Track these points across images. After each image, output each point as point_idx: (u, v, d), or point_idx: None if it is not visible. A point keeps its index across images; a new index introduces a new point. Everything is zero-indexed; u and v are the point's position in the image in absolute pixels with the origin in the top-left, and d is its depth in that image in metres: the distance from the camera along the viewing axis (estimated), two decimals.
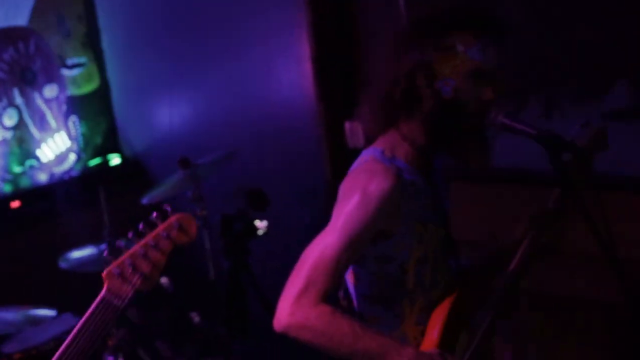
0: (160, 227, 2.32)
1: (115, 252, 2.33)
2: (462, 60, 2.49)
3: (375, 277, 2.59)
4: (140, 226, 2.33)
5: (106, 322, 2.30)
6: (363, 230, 2.45)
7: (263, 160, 5.15)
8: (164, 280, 4.34)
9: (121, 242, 2.35)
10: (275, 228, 4.73)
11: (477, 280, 2.76)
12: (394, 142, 2.59)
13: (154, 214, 2.35)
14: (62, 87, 5.77)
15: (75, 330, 2.29)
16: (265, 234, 4.71)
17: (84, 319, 2.30)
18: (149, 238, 2.32)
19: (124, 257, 2.32)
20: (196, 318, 4.37)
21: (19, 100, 5.55)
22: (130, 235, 2.34)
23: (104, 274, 2.32)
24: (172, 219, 2.33)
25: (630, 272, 2.41)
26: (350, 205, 2.46)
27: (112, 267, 2.30)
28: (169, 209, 2.35)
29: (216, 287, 4.57)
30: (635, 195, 3.83)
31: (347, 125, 4.77)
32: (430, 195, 2.62)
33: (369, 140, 2.67)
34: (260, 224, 4.73)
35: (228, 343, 4.47)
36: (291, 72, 5.08)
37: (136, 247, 2.32)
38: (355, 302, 2.69)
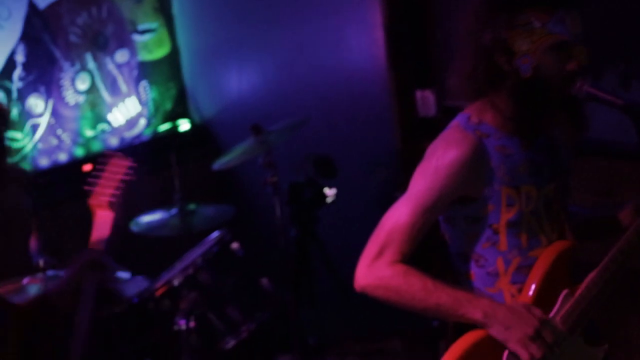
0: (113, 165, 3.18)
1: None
2: (540, 36, 2.46)
3: (466, 236, 2.63)
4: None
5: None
6: (436, 197, 2.50)
7: (333, 127, 5.14)
8: (234, 244, 4.34)
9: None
10: (343, 196, 4.77)
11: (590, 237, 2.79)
12: (484, 107, 2.59)
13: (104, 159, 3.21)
14: (133, 52, 5.81)
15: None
16: (333, 202, 4.78)
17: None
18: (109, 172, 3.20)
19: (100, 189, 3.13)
20: (266, 284, 4.37)
21: (91, 64, 5.59)
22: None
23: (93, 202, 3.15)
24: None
25: None
26: (424, 172, 2.54)
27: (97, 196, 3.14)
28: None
29: (286, 254, 4.60)
30: None
31: (418, 94, 4.76)
32: (531, 156, 2.60)
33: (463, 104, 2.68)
34: (329, 192, 4.78)
35: (296, 310, 4.50)
36: (362, 39, 5.05)
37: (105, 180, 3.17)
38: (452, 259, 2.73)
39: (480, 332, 2.50)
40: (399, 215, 2.52)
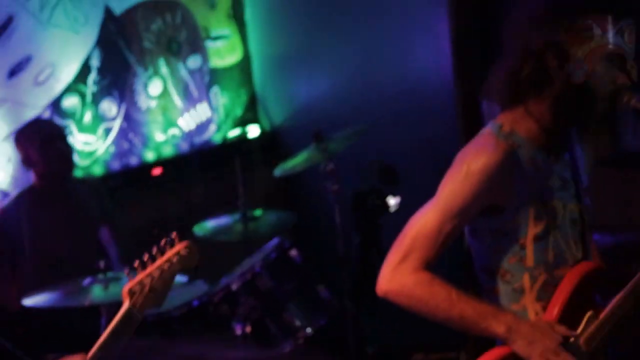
0: (169, 253, 2.47)
1: (133, 272, 2.48)
2: (598, 44, 2.41)
3: (492, 250, 2.58)
4: (154, 250, 2.47)
5: (126, 333, 2.47)
6: (464, 204, 2.46)
7: (397, 136, 5.11)
8: (293, 252, 4.37)
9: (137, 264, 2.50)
10: (407, 205, 4.73)
11: (614, 263, 2.73)
12: (518, 117, 2.53)
13: (164, 241, 2.50)
14: (205, 58, 5.85)
15: (101, 339, 2.45)
16: (397, 210, 4.74)
17: (109, 329, 2.44)
18: (160, 262, 2.47)
19: (142, 276, 2.46)
20: (323, 291, 4.39)
21: (164, 70, 5.66)
22: (145, 258, 2.47)
23: (124, 290, 2.46)
24: (179, 246, 2.48)
25: None
26: (453, 178, 2.48)
27: (132, 284, 2.46)
28: (175, 236, 2.51)
29: (344, 263, 4.58)
30: None
31: (484, 103, 4.70)
32: (558, 172, 2.57)
33: (493, 115, 2.62)
34: (393, 201, 4.75)
35: (356, 317, 4.48)
36: (429, 49, 5.04)
37: (151, 269, 2.46)
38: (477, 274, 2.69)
39: (504, 349, 2.48)
40: (426, 221, 2.48)
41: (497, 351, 2.49)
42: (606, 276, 2.61)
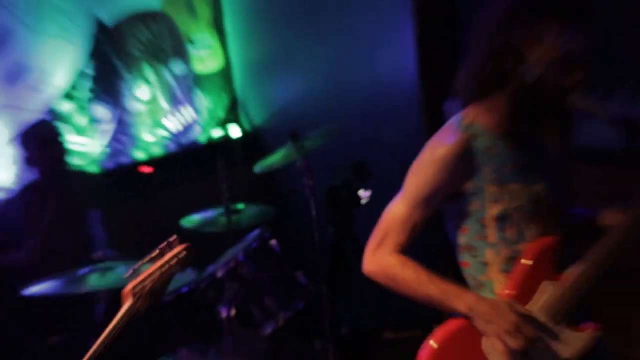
0: (168, 256, 2.44)
1: (134, 274, 2.47)
2: (549, 48, 2.45)
3: (460, 229, 2.66)
4: (154, 253, 2.44)
5: (124, 328, 2.46)
6: (427, 192, 2.55)
7: (367, 135, 5.16)
8: (273, 242, 4.43)
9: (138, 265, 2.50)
10: (378, 198, 4.79)
11: (573, 237, 2.75)
12: (480, 111, 2.58)
13: (165, 243, 2.46)
14: (189, 65, 5.92)
15: (104, 335, 2.44)
16: (368, 203, 4.83)
17: (112, 324, 2.44)
18: (160, 263, 2.44)
19: (143, 277, 2.45)
20: (301, 277, 4.45)
21: (151, 77, 5.72)
22: (146, 260, 2.45)
23: (125, 291, 2.45)
24: (178, 249, 2.45)
25: None
26: (417, 169, 2.58)
27: (134, 285, 2.45)
28: (175, 240, 2.46)
29: (320, 252, 4.56)
30: None
31: (446, 105, 4.77)
32: (520, 158, 2.61)
33: (456, 110, 2.70)
34: (364, 194, 4.82)
35: (331, 301, 4.53)
36: (396, 55, 5.07)
37: (152, 270, 2.45)
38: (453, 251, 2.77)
39: (465, 320, 2.56)
40: (397, 209, 2.59)
41: (459, 321, 2.58)
42: (565, 248, 2.65)
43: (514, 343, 2.48)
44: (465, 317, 2.55)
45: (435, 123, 4.77)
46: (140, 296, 2.42)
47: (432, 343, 2.55)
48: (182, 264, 2.44)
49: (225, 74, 6.08)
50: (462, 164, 2.53)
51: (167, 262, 2.43)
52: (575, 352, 2.62)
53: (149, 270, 2.45)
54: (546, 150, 2.66)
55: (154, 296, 2.45)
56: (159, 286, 2.44)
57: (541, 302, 2.61)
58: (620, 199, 2.72)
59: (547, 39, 2.46)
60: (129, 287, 2.45)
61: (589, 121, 2.63)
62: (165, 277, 2.44)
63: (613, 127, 2.56)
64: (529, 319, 2.53)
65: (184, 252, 2.43)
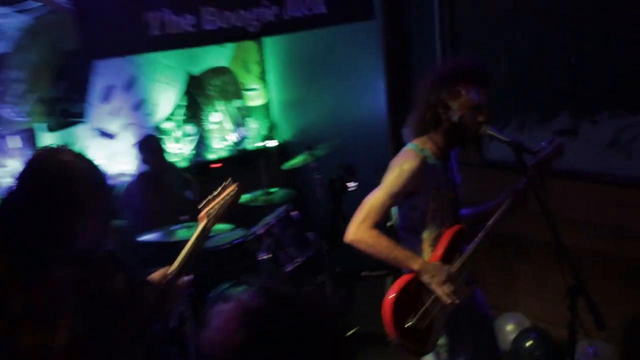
0: (226, 191, 2.44)
1: (206, 204, 2.40)
2: (465, 100, 2.44)
3: (408, 217, 2.59)
4: (217, 190, 2.43)
5: (200, 245, 2.34)
6: (398, 190, 2.48)
7: (355, 148, 5.07)
8: (294, 213, 4.34)
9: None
10: (360, 188, 4.72)
11: (470, 224, 2.71)
12: (425, 140, 2.55)
13: (223, 184, 2.46)
14: (243, 101, 5.84)
15: (182, 253, 2.29)
16: (353, 190, 4.72)
17: (190, 242, 2.30)
18: (222, 196, 2.43)
19: (212, 205, 2.39)
20: (311, 235, 4.39)
21: (220, 107, 5.63)
22: (213, 195, 2.43)
23: (200, 215, 2.36)
24: (232, 187, 2.46)
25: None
26: (392, 174, 2.50)
27: (207, 210, 2.38)
28: (230, 181, 2.48)
29: (323, 220, 4.58)
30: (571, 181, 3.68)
31: (404, 131, 4.70)
32: (445, 173, 2.58)
33: (411, 139, 2.64)
34: (351, 185, 4.71)
35: (329, 251, 4.47)
36: (374, 98, 5.00)
37: (217, 200, 2.41)
38: (398, 230, 2.70)
39: (412, 274, 2.49)
40: (377, 197, 2.49)
41: (408, 276, 2.51)
42: (466, 232, 2.63)
43: (447, 287, 2.44)
44: (414, 273, 2.47)
45: (396, 141, 4.74)
46: (210, 218, 2.36)
47: (391, 295, 2.45)
48: (234, 198, 2.43)
49: (266, 107, 5.99)
50: (420, 173, 2.48)
51: (226, 194, 2.43)
52: (464, 296, 2.58)
53: (214, 200, 2.41)
54: (452, 169, 2.65)
55: (218, 220, 2.39)
56: (221, 213, 2.39)
57: (455, 267, 2.55)
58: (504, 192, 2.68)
59: (462, 94, 2.43)
60: (204, 212, 2.38)
61: (493, 143, 2.56)
62: (226, 206, 2.40)
63: (508, 147, 2.47)
64: (452, 274, 2.50)
65: (235, 189, 2.45)
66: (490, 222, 2.59)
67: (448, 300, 2.44)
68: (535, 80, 3.87)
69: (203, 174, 5.31)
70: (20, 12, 4.11)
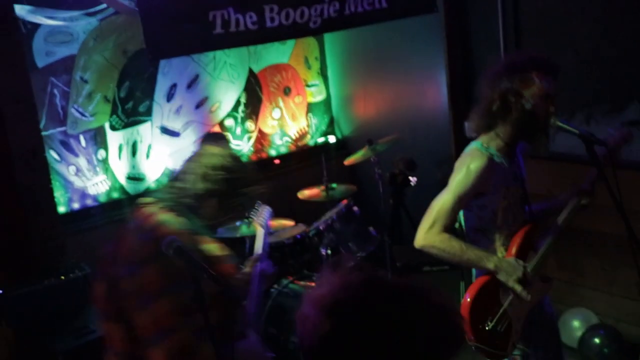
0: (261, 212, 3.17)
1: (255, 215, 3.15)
2: (538, 88, 2.40)
3: (477, 217, 2.54)
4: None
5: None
6: (466, 191, 2.44)
7: (415, 142, 5.05)
8: (355, 208, 4.34)
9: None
10: (420, 182, 4.75)
11: (542, 220, 2.67)
12: (490, 138, 2.50)
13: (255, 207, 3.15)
14: (304, 97, 5.85)
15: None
16: (415, 185, 4.76)
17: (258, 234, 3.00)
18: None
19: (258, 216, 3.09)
20: (372, 230, 4.39)
21: (281, 103, 5.68)
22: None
23: (255, 223, 3.01)
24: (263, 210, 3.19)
25: None
26: (459, 175, 2.44)
27: (257, 220, 3.09)
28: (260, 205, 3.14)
29: (384, 214, 4.59)
30: None
31: (465, 124, 4.67)
32: (512, 169, 2.53)
33: (476, 136, 2.59)
34: (412, 180, 4.77)
35: (390, 245, 4.51)
36: (435, 92, 4.98)
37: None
38: (466, 232, 2.66)
39: (487, 277, 2.48)
40: (444, 200, 2.43)
41: (484, 278, 2.49)
42: (539, 228, 2.59)
43: (524, 286, 2.43)
44: (491, 272, 2.45)
45: (457, 135, 4.72)
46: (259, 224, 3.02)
47: (468, 299, 2.43)
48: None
49: (327, 102, 5.99)
50: (489, 172, 2.44)
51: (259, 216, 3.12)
52: (542, 294, 2.60)
53: (259, 214, 3.12)
54: (522, 165, 2.61)
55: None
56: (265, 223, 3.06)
57: (531, 264, 2.52)
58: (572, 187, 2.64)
59: (535, 82, 2.39)
60: (256, 221, 2.99)
61: (558, 135, 2.52)
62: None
63: (578, 139, 2.44)
64: (527, 271, 2.47)
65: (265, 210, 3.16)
66: (560, 222, 2.57)
67: (528, 298, 2.41)
68: (601, 71, 3.78)
69: (263, 170, 5.35)
70: (89, 15, 4.25)
